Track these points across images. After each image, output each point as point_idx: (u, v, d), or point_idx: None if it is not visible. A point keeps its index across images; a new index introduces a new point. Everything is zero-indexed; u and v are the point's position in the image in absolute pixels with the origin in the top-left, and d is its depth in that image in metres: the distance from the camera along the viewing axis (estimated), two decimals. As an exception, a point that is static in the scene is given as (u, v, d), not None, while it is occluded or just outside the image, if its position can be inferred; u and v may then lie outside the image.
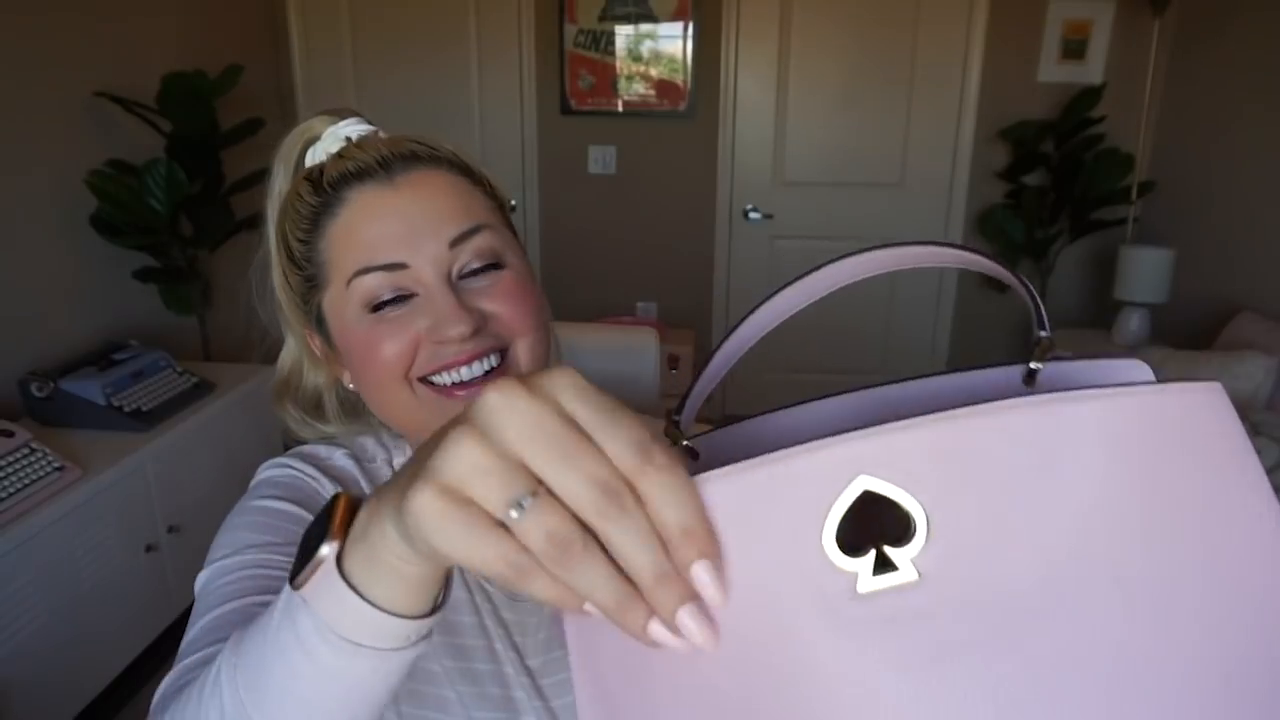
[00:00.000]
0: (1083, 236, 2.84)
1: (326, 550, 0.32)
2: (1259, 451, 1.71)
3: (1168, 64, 2.81)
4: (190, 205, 2.30)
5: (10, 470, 1.62)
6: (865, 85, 2.99)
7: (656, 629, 0.25)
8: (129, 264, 2.28)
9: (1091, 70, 2.85)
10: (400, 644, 0.33)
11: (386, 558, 0.30)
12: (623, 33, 3.00)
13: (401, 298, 0.55)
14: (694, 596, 0.25)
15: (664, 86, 3.05)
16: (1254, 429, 1.78)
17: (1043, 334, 0.32)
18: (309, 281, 0.59)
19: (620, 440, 0.26)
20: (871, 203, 3.09)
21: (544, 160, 3.16)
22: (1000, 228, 2.94)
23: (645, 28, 2.99)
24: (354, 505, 0.33)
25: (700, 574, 0.25)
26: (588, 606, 0.26)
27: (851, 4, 2.91)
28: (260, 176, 2.23)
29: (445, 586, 0.34)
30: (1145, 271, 2.53)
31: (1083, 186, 2.78)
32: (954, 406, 0.26)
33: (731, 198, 3.15)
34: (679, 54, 3.01)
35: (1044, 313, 0.33)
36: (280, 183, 0.63)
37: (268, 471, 0.62)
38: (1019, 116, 2.88)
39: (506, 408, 0.26)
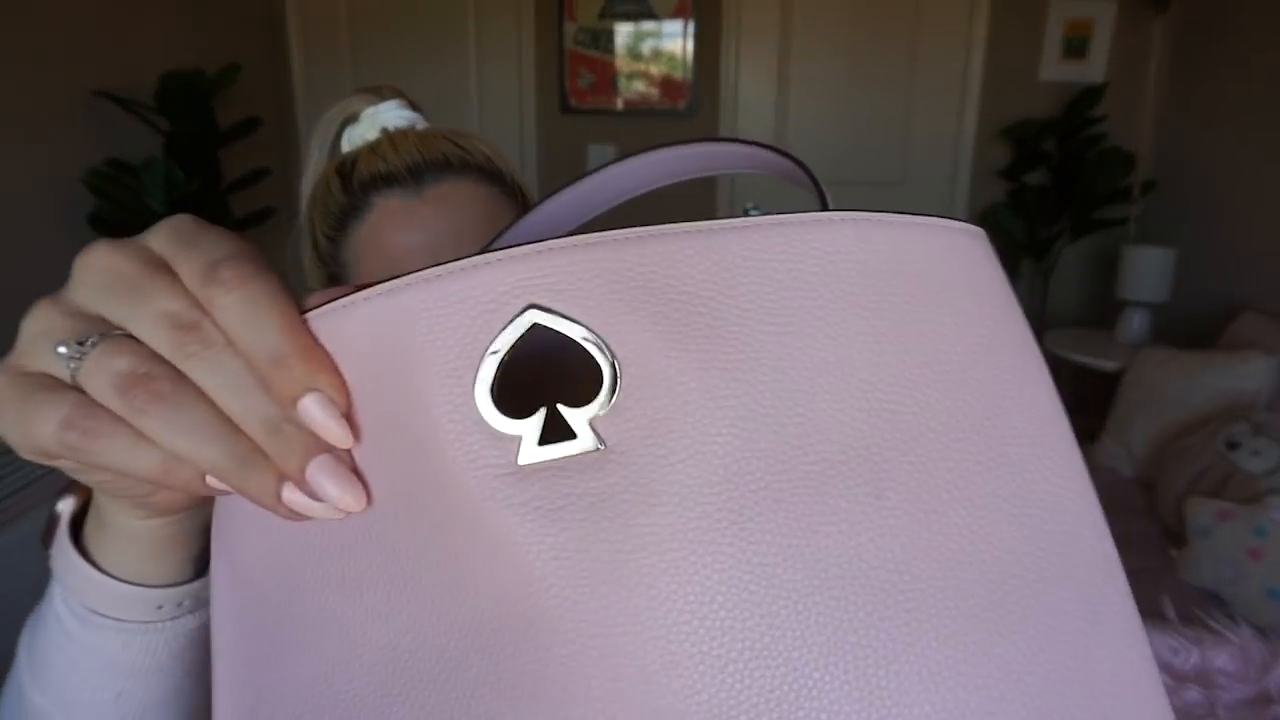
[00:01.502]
0: (1084, 236, 2.83)
1: (61, 506, 0.28)
2: (1259, 453, 1.71)
3: (1170, 63, 2.80)
4: (188, 204, 2.29)
5: (9, 470, 1.62)
6: (866, 84, 2.98)
7: (292, 494, 0.20)
8: (127, 263, 2.27)
9: (1093, 69, 2.84)
10: (149, 617, 0.29)
11: (108, 515, 0.26)
12: (623, 31, 3.00)
13: None
14: (323, 447, 0.20)
15: (664, 85, 3.04)
16: (1256, 429, 1.77)
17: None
18: (332, 280, 0.59)
19: (191, 262, 0.20)
20: (873, 201, 3.08)
21: (543, 159, 3.16)
22: (1002, 227, 2.94)
23: (646, 26, 2.99)
24: None
25: (310, 410, 0.19)
26: (211, 482, 0.21)
27: (853, 3, 2.91)
28: (259, 175, 2.22)
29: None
30: (1147, 271, 2.52)
31: (1084, 185, 2.77)
32: None
33: (732, 197, 3.14)
34: (679, 52, 3.00)
35: (827, 194, 0.25)
36: (315, 161, 0.62)
37: None
38: (1020, 115, 2.87)
39: (84, 265, 0.21)
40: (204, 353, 0.20)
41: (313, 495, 0.20)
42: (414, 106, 0.62)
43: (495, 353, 0.19)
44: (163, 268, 0.21)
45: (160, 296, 0.20)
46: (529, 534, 0.19)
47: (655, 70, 3.03)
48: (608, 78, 3.04)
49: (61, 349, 0.20)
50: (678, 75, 3.02)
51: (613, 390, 0.19)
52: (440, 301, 0.19)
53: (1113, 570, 0.22)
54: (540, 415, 0.19)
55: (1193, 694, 1.24)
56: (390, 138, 0.58)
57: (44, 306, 0.21)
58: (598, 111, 3.09)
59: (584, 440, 0.19)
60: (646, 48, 3.01)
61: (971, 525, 0.20)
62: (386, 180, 0.56)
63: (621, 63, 3.03)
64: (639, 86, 3.05)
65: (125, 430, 0.20)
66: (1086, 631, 0.20)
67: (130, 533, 0.27)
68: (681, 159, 0.31)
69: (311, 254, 0.60)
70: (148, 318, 0.20)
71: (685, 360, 0.19)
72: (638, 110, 3.07)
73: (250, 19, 2.95)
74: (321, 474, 0.20)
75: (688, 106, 3.05)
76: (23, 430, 0.20)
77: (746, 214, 0.21)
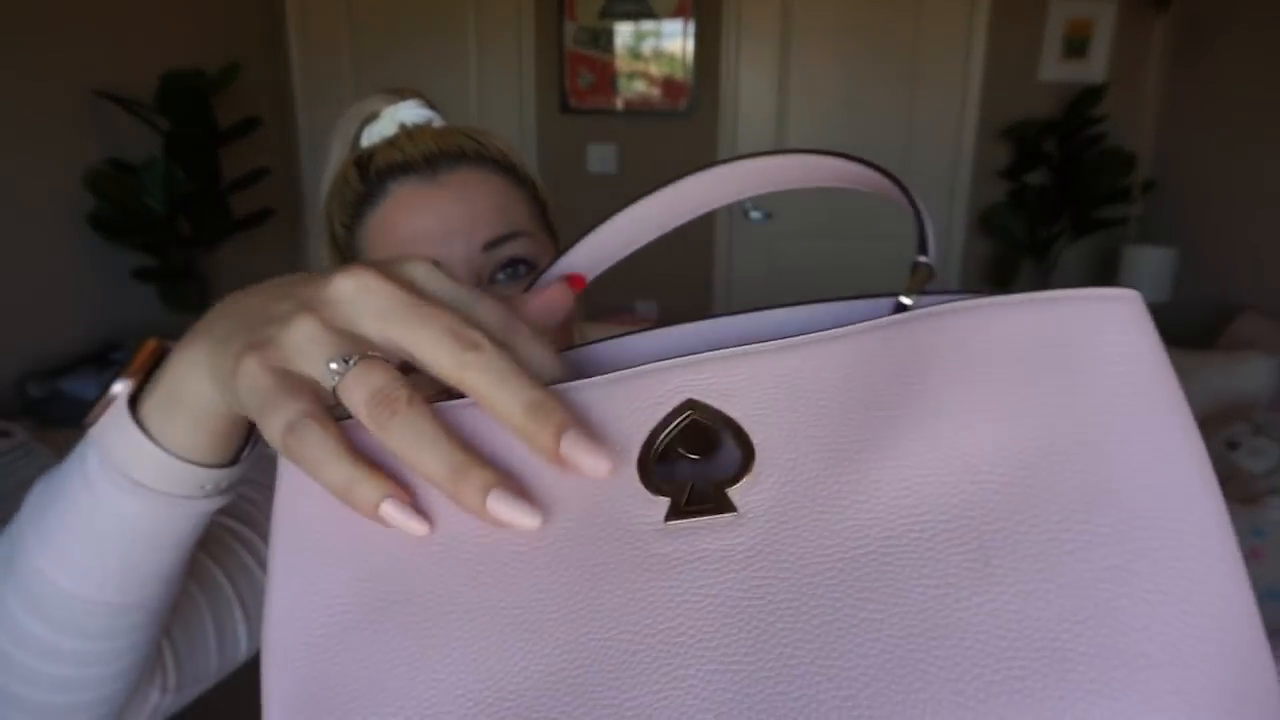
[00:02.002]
0: (1085, 236, 2.83)
1: (119, 387, 0.30)
2: (1258, 453, 1.71)
3: (1170, 62, 2.80)
4: (189, 204, 2.29)
5: (8, 470, 1.62)
6: (867, 84, 2.98)
7: (497, 503, 0.23)
8: (127, 263, 2.27)
9: (1094, 69, 2.84)
10: (191, 492, 0.31)
11: (190, 403, 0.29)
12: (623, 30, 2.99)
13: None
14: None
15: (664, 85, 3.04)
16: (1256, 429, 1.77)
17: (921, 259, 0.27)
18: None
19: (486, 306, 0.26)
20: (873, 201, 3.08)
21: (543, 159, 3.16)
22: (1002, 227, 2.94)
23: (646, 25, 2.98)
24: (162, 351, 0.32)
25: (571, 436, 0.23)
26: (384, 509, 0.24)
27: (853, 3, 2.90)
28: (259, 175, 2.22)
29: (252, 442, 0.33)
30: (1148, 271, 2.52)
31: (1085, 185, 2.77)
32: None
33: (732, 197, 3.14)
34: (679, 52, 3.00)
35: (928, 231, 0.27)
36: (336, 158, 0.63)
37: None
38: (1021, 115, 2.87)
39: (360, 289, 0.25)
40: (482, 356, 0.24)
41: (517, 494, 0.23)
42: (432, 106, 0.63)
43: (659, 434, 0.24)
44: (444, 305, 0.25)
45: (445, 318, 0.24)
46: (667, 581, 0.22)
47: (655, 70, 3.03)
48: (608, 77, 3.04)
49: (334, 365, 0.24)
50: (678, 75, 3.02)
51: (748, 468, 0.23)
52: (613, 400, 0.25)
53: (1258, 659, 0.19)
54: (687, 486, 0.23)
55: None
56: (408, 132, 0.59)
57: (311, 320, 0.25)
58: (597, 111, 3.09)
59: (723, 507, 0.23)
60: (646, 47, 3.01)
61: (1081, 600, 0.20)
62: (403, 169, 0.56)
63: (621, 62, 3.03)
64: (639, 86, 3.05)
65: (331, 448, 0.23)
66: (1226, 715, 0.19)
67: (204, 423, 0.29)
68: (777, 170, 0.33)
69: (329, 245, 0.62)
70: (433, 333, 0.24)
71: (810, 446, 0.23)
72: (638, 110, 3.07)
73: (250, 19, 2.95)
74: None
75: (688, 106, 3.05)
76: (261, 419, 0.24)
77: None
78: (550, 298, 0.31)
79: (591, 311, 3.13)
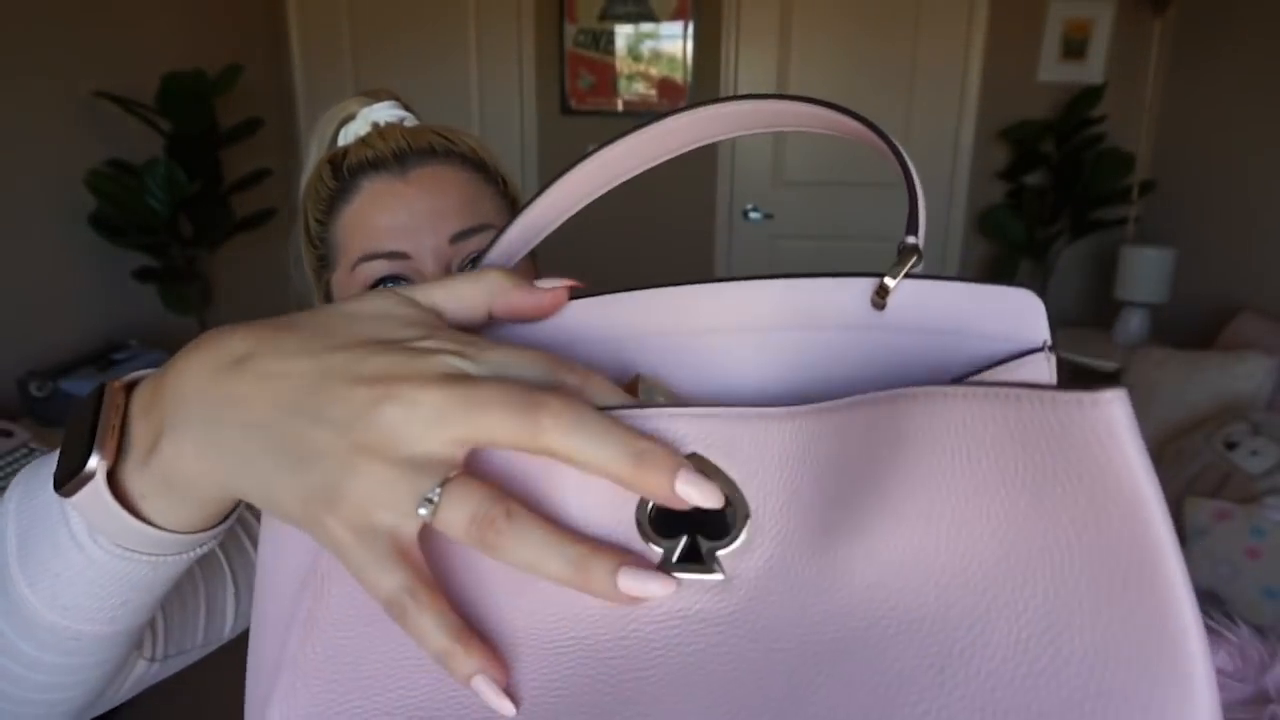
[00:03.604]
0: (1083, 236, 2.84)
1: (94, 463, 0.27)
2: (1257, 453, 1.71)
3: (1169, 63, 2.81)
4: (190, 205, 2.30)
5: (9, 470, 1.62)
6: (865, 84, 2.98)
7: (629, 581, 0.23)
8: (129, 264, 2.27)
9: (1092, 70, 2.84)
10: (189, 551, 0.30)
11: (199, 495, 0.27)
12: (623, 32, 3.00)
13: (400, 281, 0.57)
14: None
15: (664, 86, 3.05)
16: (1254, 429, 1.78)
17: (910, 239, 0.26)
18: (321, 261, 0.62)
19: (520, 358, 0.25)
20: (872, 202, 3.09)
21: (544, 160, 3.16)
22: (1001, 227, 2.94)
23: (645, 27, 2.99)
24: (129, 394, 0.28)
25: (684, 487, 0.23)
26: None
27: (852, 5, 2.91)
28: (260, 176, 2.23)
29: None
30: (1146, 271, 2.53)
31: (1083, 186, 2.78)
32: (790, 328, 0.24)
33: (731, 197, 3.15)
34: (679, 54, 3.01)
35: (920, 206, 0.26)
36: (313, 159, 0.65)
37: None
38: (1019, 116, 2.88)
39: (408, 408, 0.23)
40: (558, 422, 0.23)
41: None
42: (406, 108, 0.65)
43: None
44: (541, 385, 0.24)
45: (495, 394, 0.23)
46: (651, 628, 0.23)
47: (655, 71, 3.03)
48: (608, 79, 3.05)
49: (423, 510, 0.23)
50: (677, 77, 3.03)
51: (741, 534, 0.23)
52: None
53: None
54: (681, 542, 0.23)
55: (1190, 693, 1.24)
56: (380, 130, 0.61)
57: (377, 466, 0.23)
58: (598, 113, 3.09)
59: (711, 569, 0.23)
60: (646, 49, 3.02)
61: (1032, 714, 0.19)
62: (374, 165, 0.58)
63: (621, 64, 3.03)
64: (639, 88, 3.05)
65: (430, 623, 0.23)
66: None
67: (216, 504, 0.28)
68: (747, 115, 0.32)
69: (305, 240, 0.63)
70: (497, 420, 0.23)
71: (801, 521, 0.23)
72: (638, 111, 3.07)
73: (251, 20, 2.96)
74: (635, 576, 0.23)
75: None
76: (362, 580, 0.24)
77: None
78: (551, 301, 0.30)
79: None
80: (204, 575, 0.47)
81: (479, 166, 0.61)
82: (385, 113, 0.64)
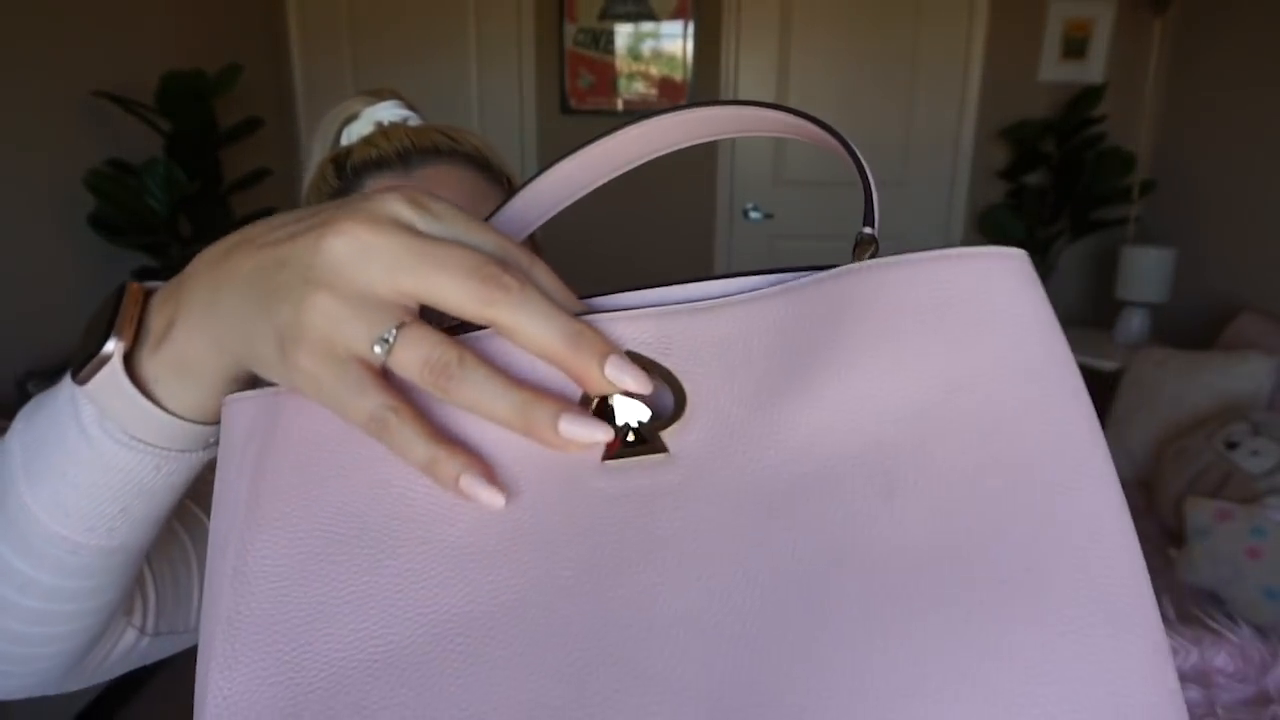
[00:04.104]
0: (1084, 236, 2.84)
1: (111, 346, 0.29)
2: (1258, 453, 1.71)
3: (1169, 63, 2.80)
4: (189, 205, 2.30)
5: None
6: (866, 84, 2.98)
7: (569, 425, 0.24)
8: (128, 264, 2.27)
9: (1092, 69, 2.84)
10: (196, 446, 0.32)
11: (207, 373, 0.29)
12: (623, 31, 3.00)
13: None
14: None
15: (664, 85, 3.04)
16: (1255, 429, 1.78)
17: (866, 230, 0.29)
18: None
19: (486, 237, 0.26)
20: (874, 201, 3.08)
21: (544, 160, 3.16)
22: (1001, 227, 2.94)
23: (645, 26, 2.99)
24: (145, 296, 0.31)
25: (615, 362, 0.24)
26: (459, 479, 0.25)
27: (852, 3, 2.91)
28: (260, 176, 2.22)
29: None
30: (1146, 271, 2.52)
31: (1084, 186, 2.78)
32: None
33: (731, 197, 3.14)
34: (679, 53, 3.01)
35: (875, 202, 0.29)
36: (316, 159, 0.64)
37: None
38: (1020, 116, 2.88)
39: (358, 250, 0.25)
40: (510, 292, 0.24)
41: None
42: (410, 107, 0.65)
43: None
44: (447, 242, 0.25)
45: (460, 256, 0.24)
46: (598, 514, 0.25)
47: (655, 71, 3.03)
48: (608, 78, 3.05)
49: (377, 348, 0.24)
50: (677, 76, 3.03)
51: (680, 414, 0.25)
52: None
53: (1133, 572, 0.21)
54: (624, 428, 0.25)
55: (1192, 693, 1.24)
56: (384, 130, 0.60)
57: (325, 298, 0.25)
58: (598, 112, 3.09)
59: (656, 448, 0.25)
60: (646, 48, 3.01)
61: (979, 521, 0.22)
62: (377, 164, 0.58)
63: (621, 63, 3.03)
64: (639, 87, 3.05)
65: (411, 432, 0.24)
66: (1103, 630, 0.20)
67: (223, 382, 0.29)
68: (713, 120, 0.35)
69: None
70: (451, 277, 0.24)
71: (737, 394, 0.25)
72: (638, 111, 3.07)
73: (251, 19, 2.96)
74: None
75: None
76: (341, 408, 0.25)
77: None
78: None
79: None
80: (198, 557, 0.47)
81: (484, 166, 0.61)
82: (389, 112, 0.63)
